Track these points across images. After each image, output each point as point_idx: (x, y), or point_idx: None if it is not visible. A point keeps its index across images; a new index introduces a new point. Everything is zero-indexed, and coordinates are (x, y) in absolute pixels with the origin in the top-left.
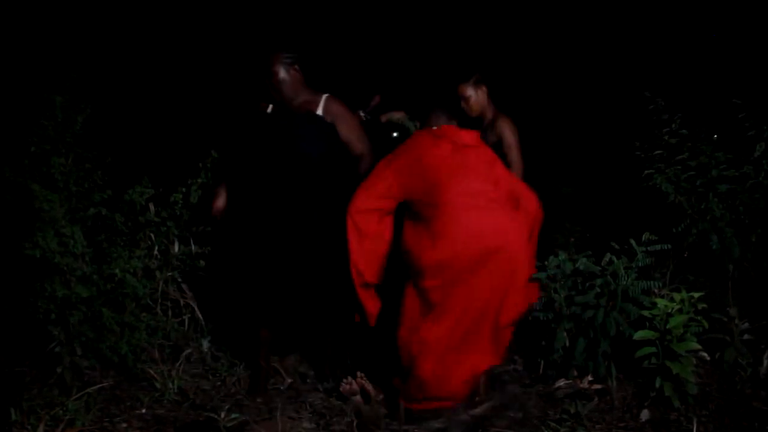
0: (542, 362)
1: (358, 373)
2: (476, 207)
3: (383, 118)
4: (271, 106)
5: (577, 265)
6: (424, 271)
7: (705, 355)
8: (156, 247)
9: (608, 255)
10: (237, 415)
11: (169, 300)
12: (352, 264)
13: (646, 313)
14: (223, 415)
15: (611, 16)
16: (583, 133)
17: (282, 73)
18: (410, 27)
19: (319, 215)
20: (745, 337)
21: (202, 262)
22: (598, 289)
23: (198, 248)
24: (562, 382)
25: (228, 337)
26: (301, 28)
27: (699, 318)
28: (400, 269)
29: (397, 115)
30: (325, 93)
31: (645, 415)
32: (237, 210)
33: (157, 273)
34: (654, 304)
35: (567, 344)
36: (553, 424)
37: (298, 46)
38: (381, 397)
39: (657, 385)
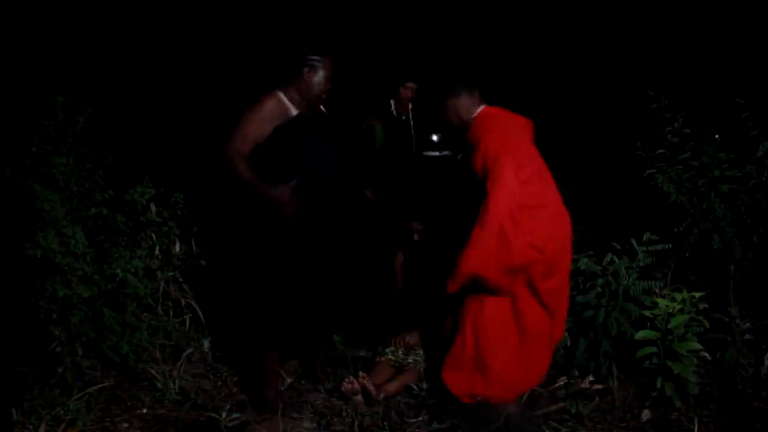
0: None
1: (360, 373)
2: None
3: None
4: (293, 110)
5: (578, 265)
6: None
7: (706, 355)
8: (157, 247)
9: (609, 255)
10: (238, 415)
11: (170, 300)
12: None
13: (647, 312)
14: (224, 415)
15: (613, 15)
16: (585, 132)
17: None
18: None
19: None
20: (747, 337)
21: (204, 262)
22: (599, 289)
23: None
24: (563, 382)
25: (229, 337)
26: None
27: (700, 318)
28: None
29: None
30: None
31: (646, 414)
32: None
33: (159, 273)
34: (655, 304)
35: (568, 344)
36: (554, 424)
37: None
38: (382, 396)
39: (658, 385)
